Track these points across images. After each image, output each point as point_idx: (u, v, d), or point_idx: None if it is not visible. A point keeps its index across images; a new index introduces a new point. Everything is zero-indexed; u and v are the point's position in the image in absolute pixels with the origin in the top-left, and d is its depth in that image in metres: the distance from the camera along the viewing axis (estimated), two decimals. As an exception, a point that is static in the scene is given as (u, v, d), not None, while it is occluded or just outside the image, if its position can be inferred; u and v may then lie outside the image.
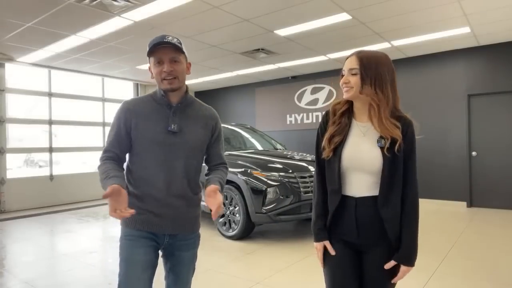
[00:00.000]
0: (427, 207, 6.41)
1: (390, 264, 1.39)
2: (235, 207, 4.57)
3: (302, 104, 8.66)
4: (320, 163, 1.53)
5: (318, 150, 1.53)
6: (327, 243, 1.49)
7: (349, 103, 1.50)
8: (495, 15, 4.81)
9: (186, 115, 1.65)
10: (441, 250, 3.94)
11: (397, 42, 6.01)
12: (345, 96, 1.43)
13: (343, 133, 1.45)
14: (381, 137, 1.39)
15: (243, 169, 4.56)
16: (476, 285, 3.06)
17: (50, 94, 7.64)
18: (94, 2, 4.17)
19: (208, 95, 10.60)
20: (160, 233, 1.61)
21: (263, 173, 4.45)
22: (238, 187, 4.53)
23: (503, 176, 6.11)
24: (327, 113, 1.55)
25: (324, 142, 1.47)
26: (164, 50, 1.56)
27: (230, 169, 4.63)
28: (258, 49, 6.31)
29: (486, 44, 6.20)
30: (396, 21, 5.00)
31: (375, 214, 1.39)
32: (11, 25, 4.91)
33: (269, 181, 4.36)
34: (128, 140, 1.61)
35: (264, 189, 4.29)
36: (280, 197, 4.29)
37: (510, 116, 6.09)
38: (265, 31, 5.34)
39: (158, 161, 1.59)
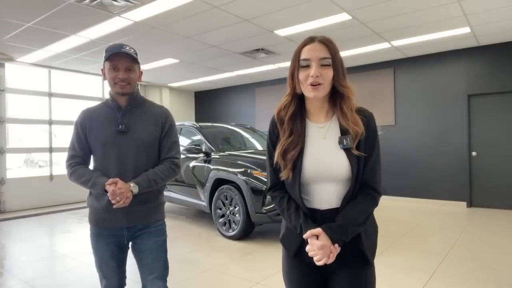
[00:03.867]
0: (427, 207, 6.41)
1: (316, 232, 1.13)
2: (235, 207, 4.57)
3: (302, 104, 8.64)
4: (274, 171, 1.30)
5: (271, 162, 1.29)
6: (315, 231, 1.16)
7: (297, 103, 1.25)
8: (495, 15, 4.81)
9: (134, 115, 1.79)
10: (441, 250, 3.94)
11: (397, 42, 6.01)
12: (314, 95, 1.17)
13: (299, 142, 1.21)
14: (342, 136, 1.18)
15: (243, 169, 4.56)
16: (476, 285, 3.05)
17: (50, 94, 7.63)
18: (94, 2, 4.17)
19: (208, 95, 10.61)
20: (117, 227, 1.74)
21: (263, 173, 4.45)
22: (238, 187, 4.53)
23: (503, 176, 6.11)
24: (273, 122, 1.31)
25: (277, 159, 1.23)
26: (121, 59, 1.71)
27: (230, 169, 4.73)
28: (258, 49, 6.31)
29: (486, 44, 6.19)
30: (396, 21, 5.00)
31: None
32: (11, 25, 4.91)
33: (269, 181, 4.35)
34: (87, 144, 1.77)
35: (264, 189, 4.28)
36: (280, 197, 4.28)
37: (510, 116, 6.08)
38: (265, 31, 5.34)
39: (109, 160, 1.72)
